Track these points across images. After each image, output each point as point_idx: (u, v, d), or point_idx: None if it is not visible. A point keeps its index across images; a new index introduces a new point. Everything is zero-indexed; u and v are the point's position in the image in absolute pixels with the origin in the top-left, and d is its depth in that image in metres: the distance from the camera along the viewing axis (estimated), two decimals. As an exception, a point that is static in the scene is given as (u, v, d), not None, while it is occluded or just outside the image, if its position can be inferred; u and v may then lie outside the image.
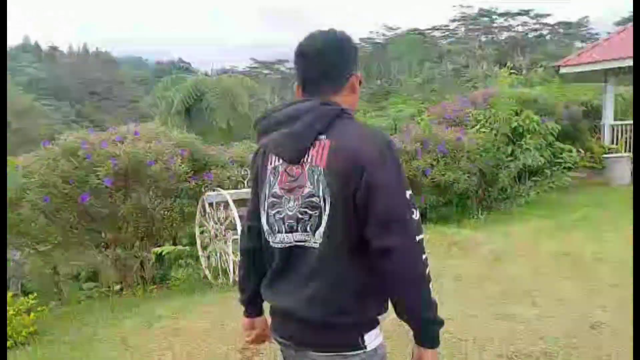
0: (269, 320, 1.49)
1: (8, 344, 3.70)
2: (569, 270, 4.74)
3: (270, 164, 1.37)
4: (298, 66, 1.39)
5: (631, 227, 6.11)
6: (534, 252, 5.45)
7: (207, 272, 5.61)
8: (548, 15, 55.60)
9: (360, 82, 1.39)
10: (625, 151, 10.41)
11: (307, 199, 1.27)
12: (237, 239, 5.01)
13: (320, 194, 1.25)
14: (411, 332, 1.31)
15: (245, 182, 6.08)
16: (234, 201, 5.12)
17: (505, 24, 57.43)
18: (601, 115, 11.93)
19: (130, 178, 5.57)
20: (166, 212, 5.87)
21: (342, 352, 1.28)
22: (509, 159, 8.18)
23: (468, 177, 7.40)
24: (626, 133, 10.94)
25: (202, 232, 5.77)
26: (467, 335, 3.34)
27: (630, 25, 11.84)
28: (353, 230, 1.24)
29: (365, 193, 1.21)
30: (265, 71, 55.30)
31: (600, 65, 10.91)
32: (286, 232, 1.32)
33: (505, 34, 57.56)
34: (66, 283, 6.44)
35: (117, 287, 5.77)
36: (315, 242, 1.27)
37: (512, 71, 9.52)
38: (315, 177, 1.26)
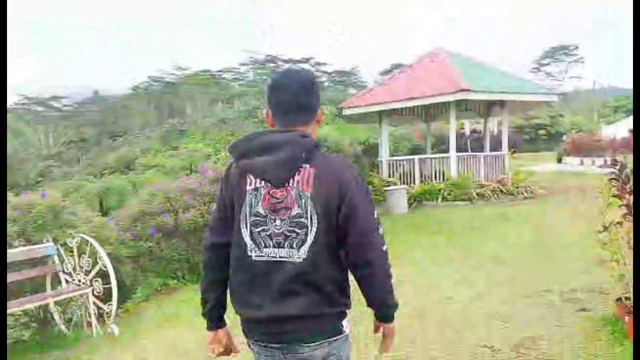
0: (246, 330, 1.59)
1: None
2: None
3: (250, 185, 1.51)
4: (274, 98, 1.57)
5: (420, 251, 6.69)
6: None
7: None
8: (325, 64, 62.12)
9: (323, 115, 1.64)
10: (401, 183, 11.68)
11: (296, 219, 1.47)
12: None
13: (308, 215, 1.46)
14: (374, 315, 1.61)
15: None
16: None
17: (290, 70, 61.96)
18: (378, 153, 13.31)
19: None
20: None
21: (328, 339, 1.51)
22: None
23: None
24: (400, 167, 12.35)
25: None
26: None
27: (397, 72, 13.62)
28: (333, 242, 1.48)
29: (347, 212, 1.46)
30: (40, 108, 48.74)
31: (376, 107, 12.21)
32: (273, 247, 1.48)
33: (290, 79, 61.93)
34: None
35: None
36: (298, 257, 1.47)
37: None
38: (303, 200, 1.46)
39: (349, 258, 1.49)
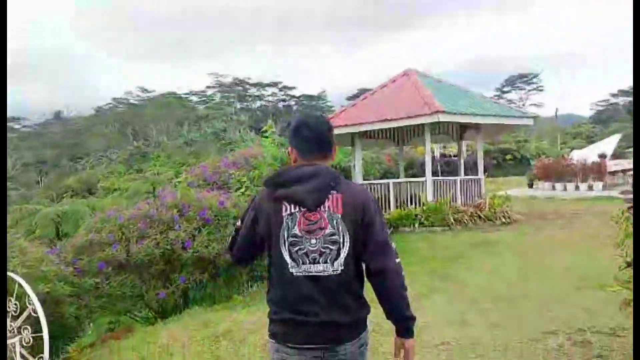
0: (282, 335, 1.82)
1: None
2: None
3: (286, 211, 1.78)
4: (300, 138, 1.88)
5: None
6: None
7: None
8: (294, 88, 62.07)
9: (336, 151, 1.98)
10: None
11: (329, 237, 1.76)
12: None
13: (340, 233, 1.76)
14: (394, 329, 1.87)
15: None
16: None
17: (257, 93, 61.68)
18: (350, 176, 12.78)
19: None
20: None
21: (360, 335, 1.82)
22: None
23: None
24: (374, 192, 11.83)
25: None
26: None
27: (369, 93, 13.20)
28: (358, 255, 1.80)
29: (367, 227, 1.78)
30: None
31: (349, 129, 11.69)
32: (309, 263, 1.76)
33: (258, 103, 61.65)
34: None
35: None
36: (334, 270, 1.75)
37: (272, 130, 9.31)
38: (335, 221, 1.76)
39: (369, 265, 1.79)
